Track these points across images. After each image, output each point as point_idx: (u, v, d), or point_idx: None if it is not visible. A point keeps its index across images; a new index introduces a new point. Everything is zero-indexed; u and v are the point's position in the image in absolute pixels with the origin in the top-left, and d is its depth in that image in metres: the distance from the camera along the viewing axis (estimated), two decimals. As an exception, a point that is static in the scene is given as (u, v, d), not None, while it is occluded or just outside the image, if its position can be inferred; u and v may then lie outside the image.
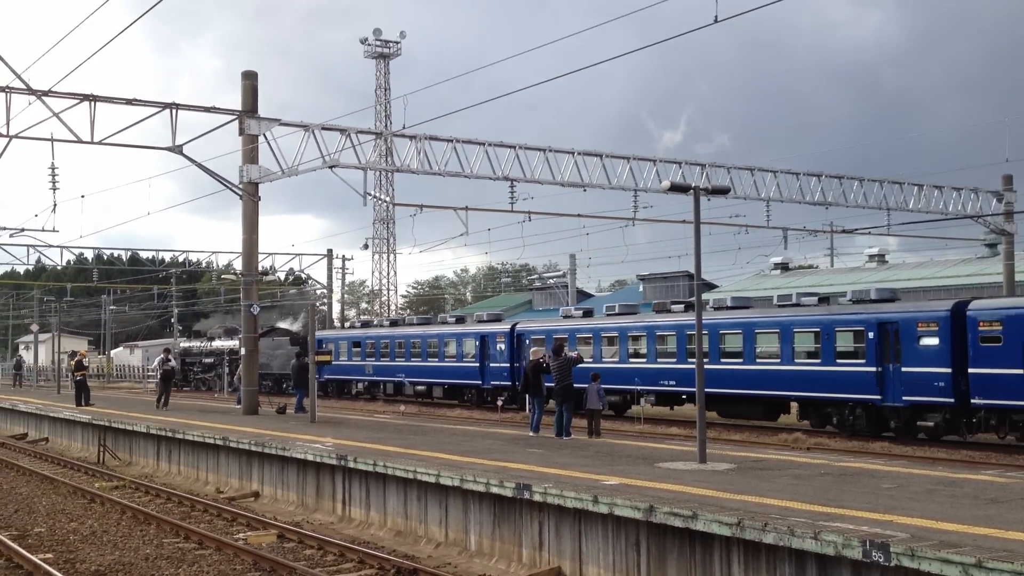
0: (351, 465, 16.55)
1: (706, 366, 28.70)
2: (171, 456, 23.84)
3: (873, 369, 25.69)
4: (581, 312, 38.00)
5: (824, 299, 30.14)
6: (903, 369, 25.14)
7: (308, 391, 27.21)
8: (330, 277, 61.25)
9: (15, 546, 14.43)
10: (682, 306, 32.62)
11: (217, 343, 59.97)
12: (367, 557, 13.67)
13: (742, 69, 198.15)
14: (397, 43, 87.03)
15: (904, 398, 25.16)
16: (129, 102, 26.48)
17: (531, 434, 21.48)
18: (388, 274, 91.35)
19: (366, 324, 52.13)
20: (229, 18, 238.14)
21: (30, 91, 25.22)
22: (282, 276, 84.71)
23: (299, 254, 58.78)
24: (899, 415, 25.64)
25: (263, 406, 30.37)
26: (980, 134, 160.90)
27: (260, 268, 31.02)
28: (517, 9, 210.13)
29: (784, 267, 59.65)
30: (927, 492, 12.23)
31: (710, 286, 59.92)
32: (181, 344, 66.63)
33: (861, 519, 10.11)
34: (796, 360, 27.73)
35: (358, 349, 48.41)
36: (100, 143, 26.36)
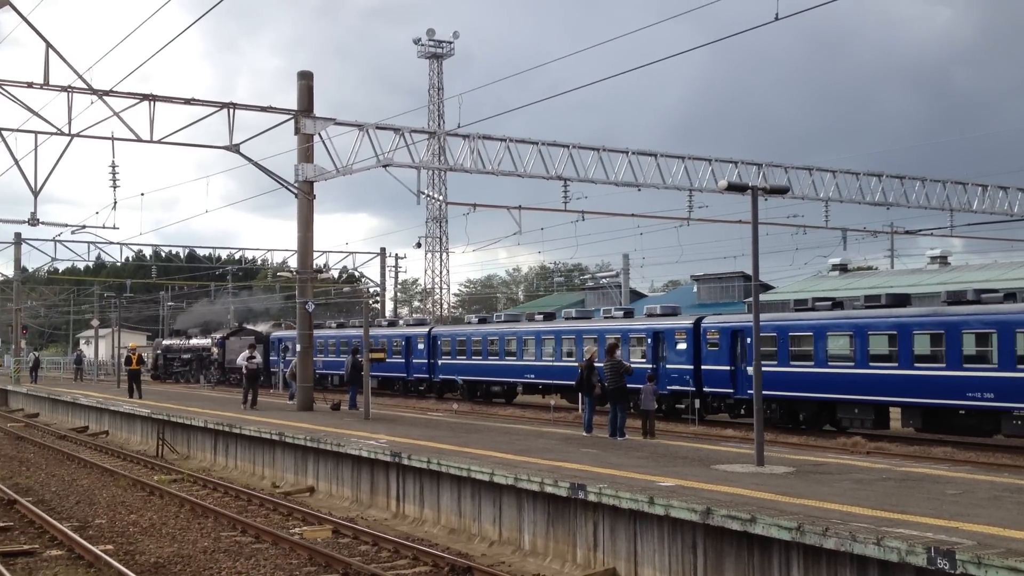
0: (405, 462, 16.59)
1: (553, 363, 38.44)
2: (228, 450, 24.11)
3: (651, 365, 32.65)
4: (477, 319, 47.14)
5: (629, 312, 38.64)
6: (667, 366, 33.06)
7: (362, 388, 27.35)
8: (383, 275, 61.67)
9: (77, 537, 14.67)
10: (541, 316, 42.24)
11: (193, 341, 65.35)
12: (421, 554, 13.68)
13: (802, 64, 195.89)
14: (450, 43, 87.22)
15: (667, 387, 32.71)
16: (187, 102, 26.80)
17: (585, 434, 21.39)
18: (441, 272, 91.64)
19: (318, 326, 56.49)
20: (288, 17, 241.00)
21: (91, 91, 25.61)
22: (335, 274, 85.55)
23: (353, 252, 59.45)
24: (666, 400, 32.60)
25: (316, 402, 30.61)
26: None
27: (315, 266, 31.19)
28: (574, 7, 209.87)
29: (843, 268, 58.78)
30: (993, 499, 11.95)
31: (766, 287, 59.29)
32: (163, 342, 69.29)
33: (925, 525, 9.89)
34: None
35: None
36: (159, 142, 26.76)
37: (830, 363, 27.71)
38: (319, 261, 48.75)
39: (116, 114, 26.06)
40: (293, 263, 36.65)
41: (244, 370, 30.65)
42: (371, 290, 73.32)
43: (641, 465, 15.34)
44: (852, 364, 27.14)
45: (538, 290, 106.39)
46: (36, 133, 26.79)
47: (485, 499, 14.91)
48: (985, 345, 24.46)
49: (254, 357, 31.18)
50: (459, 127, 29.30)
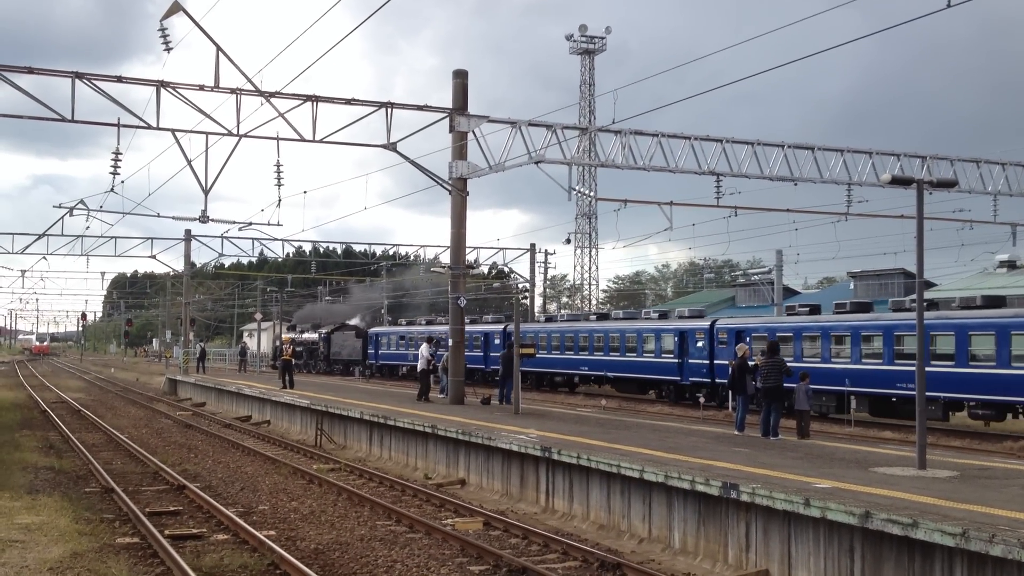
0: (555, 457, 16.71)
1: (603, 357, 44.13)
2: (383, 441, 24.76)
3: (677, 360, 38.85)
4: (544, 318, 55.99)
5: (664, 314, 43.67)
6: (689, 360, 38.16)
7: (514, 382, 27.60)
8: (532, 271, 62.01)
9: (242, 522, 15.32)
10: (595, 316, 48.92)
11: (305, 335, 72.91)
12: (571, 549, 13.77)
13: (974, 52, 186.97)
14: (602, 39, 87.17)
15: (689, 379, 38.14)
16: (348, 102, 27.56)
17: (736, 433, 21.08)
18: (590, 268, 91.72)
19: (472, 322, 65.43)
20: (445, 16, 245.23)
21: (259, 93, 26.61)
22: (485, 270, 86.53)
23: (503, 248, 59.61)
24: (688, 390, 38.32)
25: (467, 396, 31.07)
26: None
27: (466, 261, 31.62)
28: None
29: (1011, 265, 55.91)
30: None
31: (929, 284, 56.95)
32: (282, 335, 73.48)
33: (1102, 536, 9.37)
34: (644, 354, 41.27)
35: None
36: (321, 141, 27.52)
37: (804, 359, 32.26)
38: (470, 257, 49.47)
39: (281, 115, 26.94)
40: (445, 258, 37.30)
41: (429, 365, 31.81)
42: (520, 286, 73.93)
43: (795, 466, 15.04)
44: (820, 360, 31.94)
45: (687, 287, 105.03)
46: (207, 134, 27.92)
47: (635, 496, 14.89)
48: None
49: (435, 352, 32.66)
50: (613, 123, 29.22)
